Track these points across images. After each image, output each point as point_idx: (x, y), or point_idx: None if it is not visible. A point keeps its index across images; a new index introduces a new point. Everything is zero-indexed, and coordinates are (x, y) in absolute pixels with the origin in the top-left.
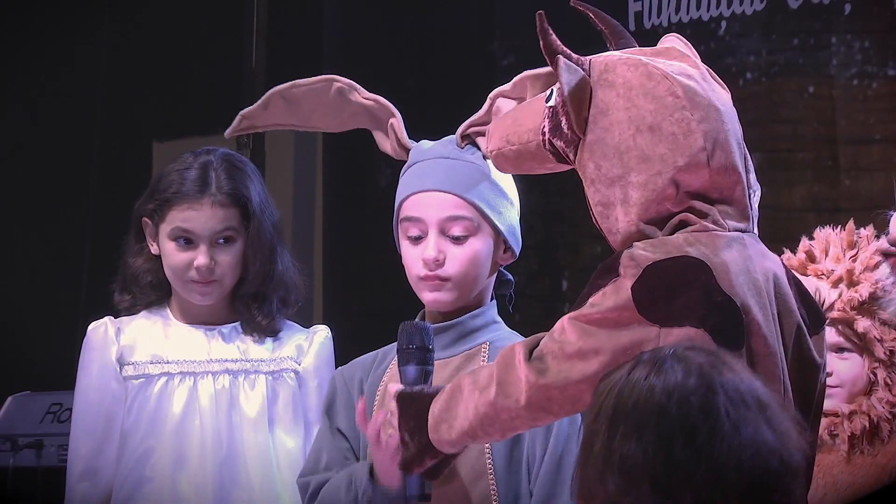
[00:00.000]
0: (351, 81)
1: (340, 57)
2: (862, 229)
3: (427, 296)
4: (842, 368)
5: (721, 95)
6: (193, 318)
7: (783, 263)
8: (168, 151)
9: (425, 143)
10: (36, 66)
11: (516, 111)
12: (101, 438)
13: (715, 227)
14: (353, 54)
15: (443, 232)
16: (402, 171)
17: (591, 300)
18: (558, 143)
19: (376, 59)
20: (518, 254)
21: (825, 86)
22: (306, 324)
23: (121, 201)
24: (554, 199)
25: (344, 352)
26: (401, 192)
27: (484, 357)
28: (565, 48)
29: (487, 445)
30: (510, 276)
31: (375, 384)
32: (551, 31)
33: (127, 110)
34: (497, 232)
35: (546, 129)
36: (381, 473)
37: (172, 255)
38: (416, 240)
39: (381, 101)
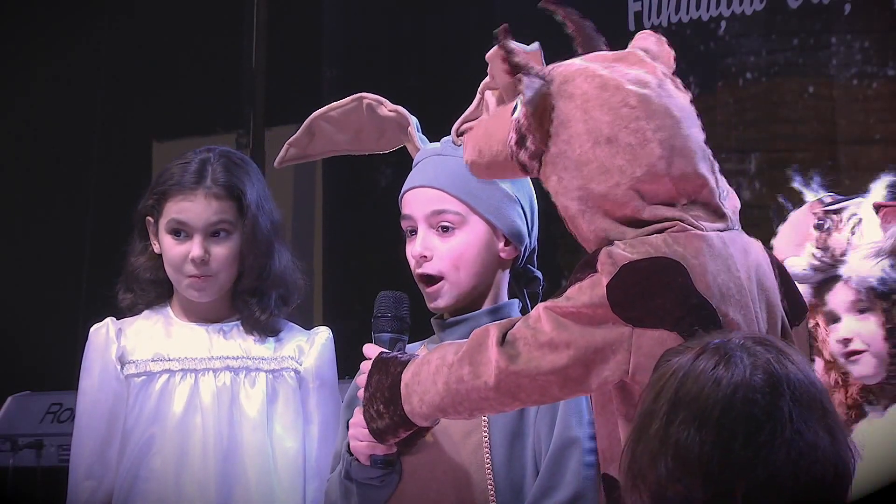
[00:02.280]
0: (377, 96)
1: (340, 57)
2: None
3: (427, 299)
4: None
5: (678, 100)
6: (195, 315)
7: (768, 253)
8: (168, 151)
9: (430, 145)
10: (36, 66)
11: (488, 122)
12: (104, 438)
13: (692, 227)
14: (353, 54)
15: (431, 227)
16: None
17: (567, 293)
18: (524, 156)
19: (376, 59)
20: (525, 248)
21: (825, 86)
22: (306, 324)
23: (121, 201)
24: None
25: (344, 352)
26: (400, 194)
27: None
28: (528, 61)
29: (486, 441)
30: (538, 273)
31: None
32: (513, 46)
33: (127, 110)
34: (491, 225)
35: (513, 142)
36: (354, 448)
37: (169, 248)
38: (411, 236)
39: (401, 110)
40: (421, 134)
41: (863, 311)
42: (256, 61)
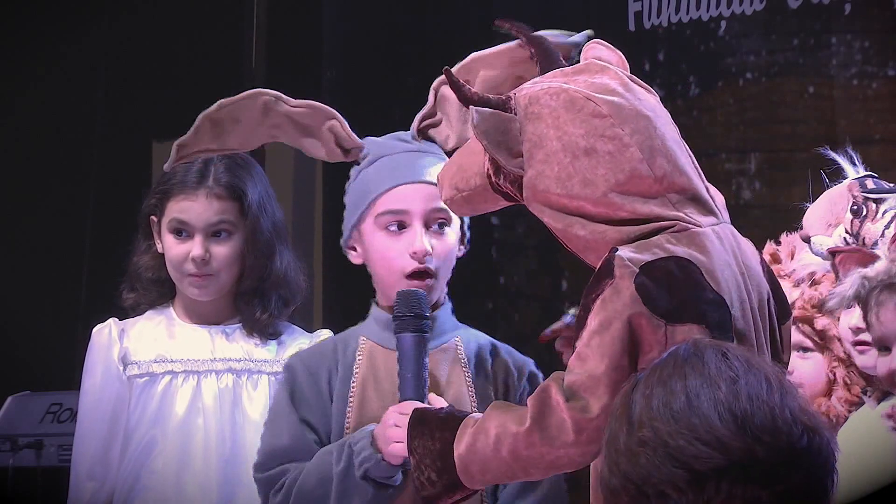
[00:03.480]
0: (277, 93)
1: (340, 57)
2: (782, 236)
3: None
4: (803, 368)
5: (647, 102)
6: (197, 317)
7: (758, 252)
8: (168, 151)
9: (378, 139)
10: (36, 66)
11: (459, 157)
12: (107, 438)
13: (690, 224)
14: (353, 54)
15: (426, 224)
16: (361, 167)
17: (592, 316)
18: (503, 184)
19: (376, 59)
20: (467, 248)
21: (825, 86)
22: (306, 324)
23: (121, 201)
24: None
25: None
26: (375, 186)
27: (460, 352)
28: (480, 95)
29: None
30: None
31: (347, 378)
32: (461, 83)
33: (127, 110)
34: (462, 226)
35: (490, 172)
36: (385, 447)
37: (171, 247)
38: (396, 232)
39: (315, 105)
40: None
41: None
42: (256, 61)
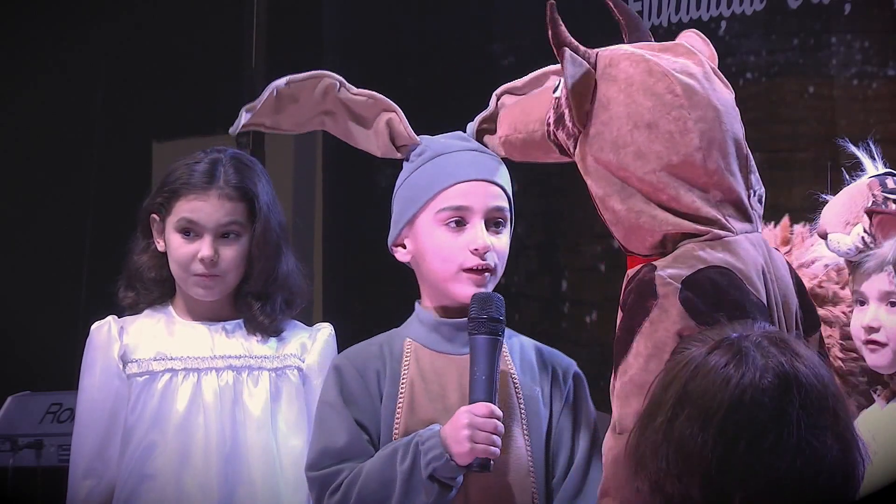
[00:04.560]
0: (341, 77)
1: (340, 57)
2: (796, 226)
3: (467, 290)
4: None
5: (722, 95)
6: (197, 314)
7: (787, 263)
8: (168, 151)
9: (435, 137)
10: (36, 66)
11: (526, 100)
12: (105, 436)
13: (724, 232)
14: (353, 54)
15: (486, 221)
16: (417, 163)
17: (642, 339)
18: (560, 135)
19: (376, 59)
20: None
21: (825, 86)
22: (306, 323)
23: (121, 201)
24: (554, 199)
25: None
26: (437, 182)
27: (505, 353)
28: (573, 40)
29: (528, 444)
30: None
31: (396, 379)
32: (560, 22)
33: (127, 110)
34: (513, 228)
35: (551, 121)
36: (454, 448)
37: (178, 247)
38: (455, 227)
39: (376, 96)
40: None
41: (894, 304)
42: (256, 61)
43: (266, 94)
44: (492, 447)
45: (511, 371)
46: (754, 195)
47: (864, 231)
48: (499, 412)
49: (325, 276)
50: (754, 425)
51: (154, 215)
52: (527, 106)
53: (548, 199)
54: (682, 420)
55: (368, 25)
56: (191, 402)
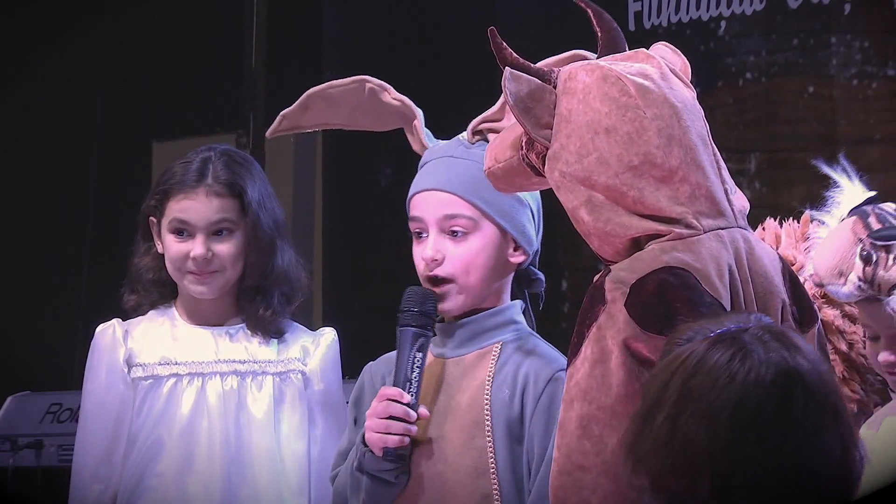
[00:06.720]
0: (381, 82)
1: (340, 57)
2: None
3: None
4: None
5: (681, 94)
6: (200, 318)
7: (779, 257)
8: (168, 151)
9: (437, 143)
10: (36, 66)
11: (505, 131)
12: (111, 440)
13: (688, 231)
14: (353, 54)
15: (443, 231)
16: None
17: (590, 344)
18: (532, 157)
19: (376, 59)
20: (533, 252)
21: (825, 86)
22: (306, 324)
23: (121, 201)
24: (554, 199)
25: (344, 352)
26: (409, 193)
27: (494, 356)
28: (521, 60)
29: (490, 443)
30: (540, 275)
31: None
32: (504, 45)
33: (127, 110)
34: (502, 230)
35: (523, 143)
36: (368, 439)
37: (171, 247)
38: (419, 239)
39: (407, 101)
40: (427, 129)
41: None
42: (256, 61)
43: (304, 98)
44: (388, 435)
45: (489, 374)
46: (731, 191)
47: (860, 279)
48: (403, 398)
49: (325, 275)
50: (760, 423)
51: (151, 218)
52: (505, 135)
53: (548, 199)
54: (687, 418)
55: (368, 25)
56: (195, 406)
